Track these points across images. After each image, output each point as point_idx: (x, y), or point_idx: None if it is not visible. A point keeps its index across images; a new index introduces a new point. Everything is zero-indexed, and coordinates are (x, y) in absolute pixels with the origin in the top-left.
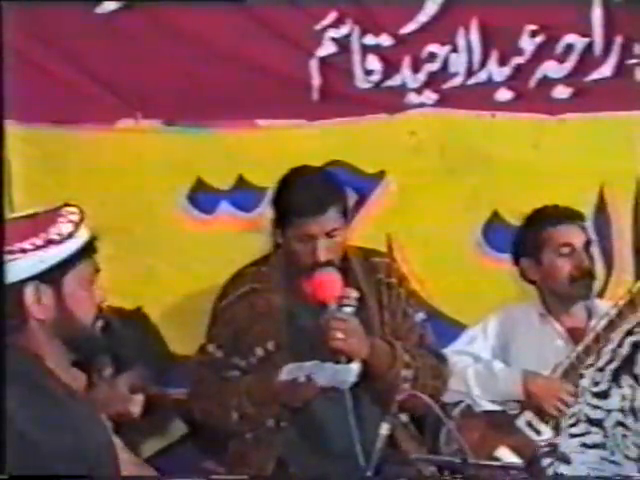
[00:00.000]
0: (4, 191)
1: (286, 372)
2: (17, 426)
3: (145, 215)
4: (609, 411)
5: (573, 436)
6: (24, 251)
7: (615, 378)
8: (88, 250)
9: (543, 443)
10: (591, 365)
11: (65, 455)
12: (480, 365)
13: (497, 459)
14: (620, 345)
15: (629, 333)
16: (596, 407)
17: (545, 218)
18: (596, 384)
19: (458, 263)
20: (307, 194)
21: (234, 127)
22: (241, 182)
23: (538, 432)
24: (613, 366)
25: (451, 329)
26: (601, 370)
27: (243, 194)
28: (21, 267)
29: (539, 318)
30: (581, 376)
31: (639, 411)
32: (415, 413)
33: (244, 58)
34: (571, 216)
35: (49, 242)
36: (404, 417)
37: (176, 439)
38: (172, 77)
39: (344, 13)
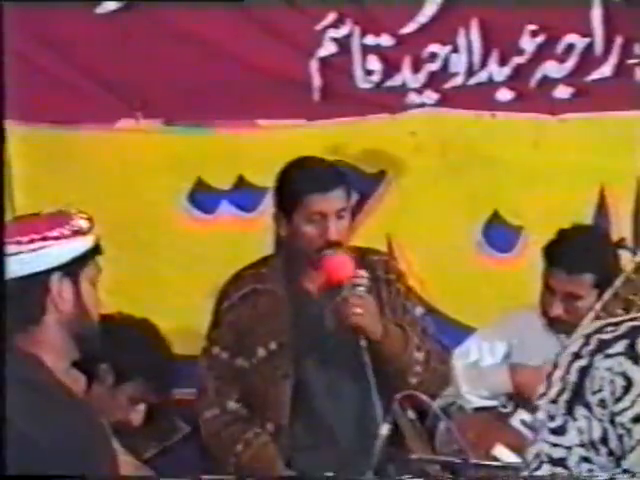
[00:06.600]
0: (4, 191)
1: None
2: (17, 426)
3: (145, 215)
4: (569, 448)
5: None
6: (57, 239)
7: (569, 410)
8: (98, 249)
9: None
10: (543, 395)
11: (65, 455)
12: (468, 361)
13: (495, 458)
14: (568, 372)
15: (576, 357)
16: (556, 445)
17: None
18: (552, 418)
19: (458, 263)
20: (314, 174)
21: (234, 127)
22: (241, 182)
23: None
24: (565, 397)
25: (451, 329)
26: (554, 402)
27: (243, 194)
28: (50, 256)
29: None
30: (535, 409)
31: (599, 443)
32: (416, 412)
33: (244, 58)
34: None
35: (76, 232)
36: (411, 413)
37: (176, 439)
38: (172, 77)
39: (344, 13)
